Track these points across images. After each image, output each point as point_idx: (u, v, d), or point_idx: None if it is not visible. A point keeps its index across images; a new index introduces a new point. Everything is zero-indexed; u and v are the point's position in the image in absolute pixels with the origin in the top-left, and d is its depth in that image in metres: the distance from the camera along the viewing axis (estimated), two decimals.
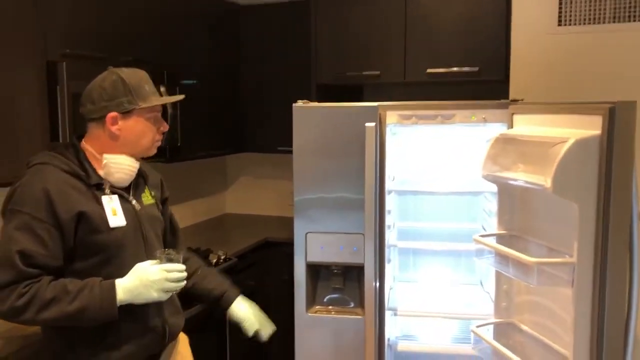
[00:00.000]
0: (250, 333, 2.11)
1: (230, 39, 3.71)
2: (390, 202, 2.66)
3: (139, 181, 1.89)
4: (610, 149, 1.73)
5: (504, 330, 2.25)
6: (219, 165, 4.21)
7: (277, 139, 3.52)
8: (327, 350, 2.58)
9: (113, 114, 1.73)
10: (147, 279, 1.67)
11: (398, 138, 2.78)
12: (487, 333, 2.21)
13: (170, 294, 1.74)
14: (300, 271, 2.58)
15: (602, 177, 1.75)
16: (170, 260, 1.73)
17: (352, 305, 2.61)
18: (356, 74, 3.28)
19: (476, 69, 3.04)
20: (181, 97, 1.95)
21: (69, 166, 1.71)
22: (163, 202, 2.04)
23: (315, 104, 2.57)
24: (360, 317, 2.53)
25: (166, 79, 2.86)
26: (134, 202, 1.83)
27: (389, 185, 2.58)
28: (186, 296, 2.00)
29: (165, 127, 1.86)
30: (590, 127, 1.78)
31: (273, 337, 3.51)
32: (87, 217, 1.67)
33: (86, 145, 1.80)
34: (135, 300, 1.68)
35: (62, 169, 1.70)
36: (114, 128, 1.75)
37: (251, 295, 3.30)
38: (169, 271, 1.69)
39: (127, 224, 1.76)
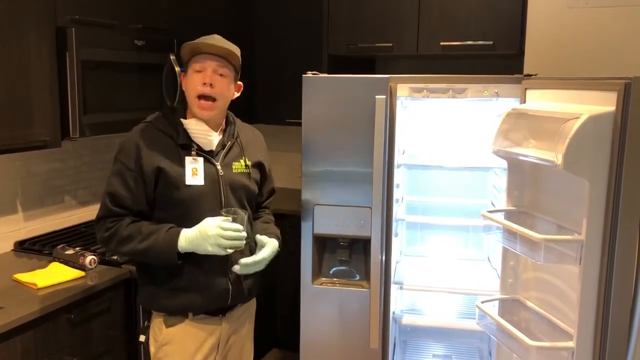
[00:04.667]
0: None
1: (243, 9, 3.67)
2: (399, 176, 2.65)
3: (235, 150, 2.03)
4: (624, 126, 1.69)
5: (509, 307, 2.25)
6: None
7: (286, 111, 3.50)
8: (332, 321, 2.59)
9: (183, 73, 1.96)
10: (205, 233, 1.81)
11: (409, 111, 2.75)
12: (493, 309, 2.21)
13: (230, 250, 1.85)
14: (307, 243, 2.59)
15: (615, 155, 1.72)
16: (234, 220, 1.84)
17: (357, 277, 2.61)
18: (368, 45, 3.23)
19: (490, 42, 2.98)
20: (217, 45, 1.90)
21: (164, 126, 1.93)
22: (259, 167, 2.13)
23: (326, 75, 2.54)
24: (365, 289, 2.53)
25: (176, 48, 2.84)
26: (218, 166, 1.95)
27: (398, 159, 2.56)
28: None
29: (205, 78, 1.89)
30: (604, 104, 1.74)
31: (279, 307, 3.56)
32: (165, 172, 1.87)
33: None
34: (196, 250, 1.84)
35: (158, 128, 1.92)
36: (183, 85, 1.97)
37: None
38: (224, 229, 1.81)
39: (205, 185, 1.91)
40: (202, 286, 1.92)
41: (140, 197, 1.88)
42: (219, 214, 1.88)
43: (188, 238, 1.83)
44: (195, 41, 1.89)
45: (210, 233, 1.80)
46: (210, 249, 1.81)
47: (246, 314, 2.13)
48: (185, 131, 1.92)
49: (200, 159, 1.92)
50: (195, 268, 1.91)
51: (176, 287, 1.91)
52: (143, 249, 1.84)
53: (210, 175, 1.93)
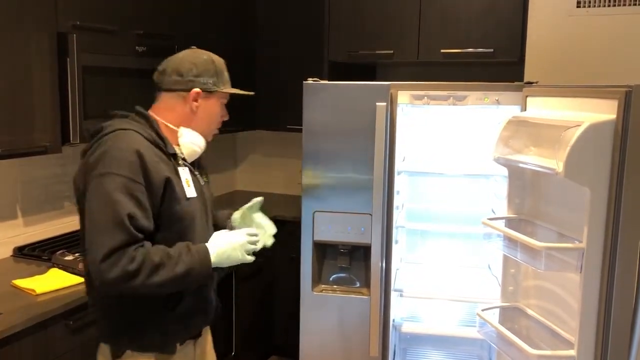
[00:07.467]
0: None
1: (244, 15, 3.67)
2: (399, 182, 2.64)
3: (201, 161, 1.93)
4: (625, 133, 1.69)
5: (509, 315, 2.24)
6: (229, 142, 4.20)
7: (288, 117, 3.51)
8: (332, 329, 2.59)
9: (197, 90, 1.77)
10: (236, 242, 1.74)
11: (409, 118, 2.75)
12: (493, 317, 2.20)
13: (252, 256, 1.80)
14: (307, 249, 2.58)
15: (616, 162, 1.72)
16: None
17: (357, 285, 2.61)
18: (369, 52, 3.24)
19: (491, 50, 2.99)
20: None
21: (149, 134, 1.70)
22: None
23: (327, 81, 2.54)
24: (365, 297, 2.53)
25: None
26: (198, 176, 1.85)
27: (399, 166, 2.55)
28: None
29: (227, 116, 1.87)
30: (605, 111, 1.74)
31: (278, 314, 3.55)
32: (172, 184, 1.67)
33: (156, 115, 1.78)
34: (223, 263, 1.72)
35: (143, 136, 1.68)
36: (194, 104, 1.78)
37: (258, 272, 3.34)
38: (250, 234, 1.78)
39: (197, 197, 1.78)
40: (202, 307, 1.81)
41: (150, 215, 1.63)
42: (210, 231, 1.83)
43: (218, 251, 1.70)
44: (233, 91, 1.85)
45: (241, 241, 1.75)
46: (240, 257, 1.74)
47: (207, 330, 1.97)
48: (167, 139, 1.75)
49: (187, 169, 1.78)
50: (197, 289, 1.77)
51: (180, 315, 1.74)
52: (182, 273, 1.61)
53: (197, 186, 1.80)
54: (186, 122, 1.80)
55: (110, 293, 1.62)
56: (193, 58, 1.80)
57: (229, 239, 1.75)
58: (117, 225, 1.54)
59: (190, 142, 1.79)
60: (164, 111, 1.79)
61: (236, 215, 1.96)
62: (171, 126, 1.78)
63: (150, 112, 1.79)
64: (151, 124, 1.74)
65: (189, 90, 1.76)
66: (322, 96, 2.49)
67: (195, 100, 1.77)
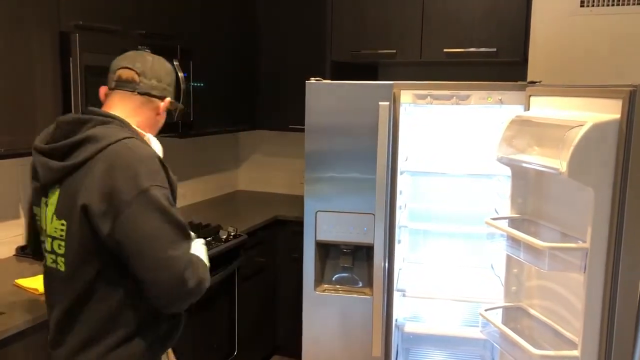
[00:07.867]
0: None
1: (246, 15, 3.67)
2: (402, 182, 2.64)
3: None
4: (629, 133, 1.69)
5: (513, 315, 2.24)
6: (231, 142, 4.19)
7: (290, 117, 3.50)
8: (335, 328, 2.58)
9: (170, 99, 1.73)
10: (201, 251, 1.65)
11: (412, 118, 2.75)
12: (496, 317, 2.20)
13: None
14: (310, 249, 2.58)
15: (620, 162, 1.72)
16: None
17: (360, 284, 2.60)
18: (372, 52, 3.23)
19: (494, 49, 2.98)
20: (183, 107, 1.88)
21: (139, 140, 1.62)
22: None
23: (329, 81, 2.54)
24: (368, 296, 2.52)
25: (179, 53, 2.84)
26: None
27: (401, 165, 2.55)
28: None
29: None
30: (609, 111, 1.73)
31: (280, 313, 3.55)
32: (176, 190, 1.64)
33: (123, 118, 1.65)
34: None
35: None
36: (163, 112, 1.73)
37: (260, 272, 3.34)
38: (203, 244, 1.72)
39: None
40: (182, 318, 1.76)
41: None
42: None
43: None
44: (179, 107, 1.80)
45: (204, 250, 1.66)
46: (206, 264, 1.69)
47: None
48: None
49: None
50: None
51: (169, 329, 1.70)
52: (209, 278, 1.61)
53: None
54: (147, 128, 1.72)
55: (187, 306, 1.57)
56: (163, 64, 1.74)
57: (197, 247, 1.66)
58: (184, 235, 1.53)
59: (159, 150, 1.70)
60: (132, 114, 1.68)
61: None
62: (141, 131, 1.69)
63: (117, 115, 1.65)
64: (130, 129, 1.63)
65: (163, 97, 1.71)
66: (325, 96, 2.49)
67: (165, 109, 1.72)
